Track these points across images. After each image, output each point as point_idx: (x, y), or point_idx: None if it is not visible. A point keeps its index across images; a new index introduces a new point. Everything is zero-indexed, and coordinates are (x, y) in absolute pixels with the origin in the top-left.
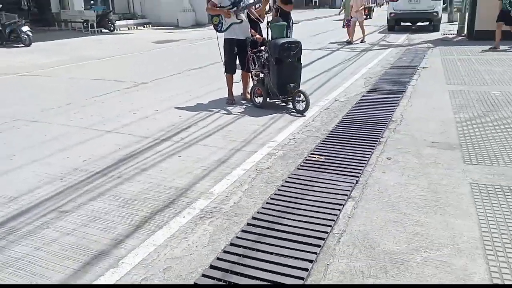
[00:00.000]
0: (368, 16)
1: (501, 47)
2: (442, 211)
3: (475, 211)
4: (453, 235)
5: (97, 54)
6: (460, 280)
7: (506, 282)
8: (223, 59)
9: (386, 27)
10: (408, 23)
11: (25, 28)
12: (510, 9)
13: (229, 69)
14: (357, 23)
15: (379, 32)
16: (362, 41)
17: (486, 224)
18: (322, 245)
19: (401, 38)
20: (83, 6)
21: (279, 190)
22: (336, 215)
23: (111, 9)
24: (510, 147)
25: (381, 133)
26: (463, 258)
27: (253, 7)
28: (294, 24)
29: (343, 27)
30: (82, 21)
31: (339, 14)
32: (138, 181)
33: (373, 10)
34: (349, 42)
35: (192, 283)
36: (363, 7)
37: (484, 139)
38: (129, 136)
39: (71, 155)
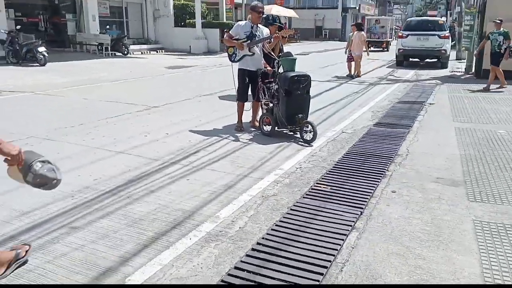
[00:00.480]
0: (386, 49)
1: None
2: (445, 246)
3: (477, 248)
4: (454, 270)
5: (111, 77)
6: None
7: None
8: (237, 86)
9: (395, 62)
10: (417, 59)
11: (41, 49)
12: (498, 50)
13: (241, 98)
14: (360, 56)
15: (387, 67)
16: (352, 76)
17: (487, 261)
18: (324, 273)
19: (409, 73)
20: (98, 30)
21: (284, 217)
22: (340, 244)
23: (125, 33)
24: None
25: (387, 166)
26: None
27: (267, 41)
28: (304, 55)
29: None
30: (97, 44)
31: (345, 53)
32: (146, 202)
33: (390, 44)
34: (357, 76)
35: None
36: (360, 41)
37: (489, 177)
38: (139, 158)
39: (82, 174)
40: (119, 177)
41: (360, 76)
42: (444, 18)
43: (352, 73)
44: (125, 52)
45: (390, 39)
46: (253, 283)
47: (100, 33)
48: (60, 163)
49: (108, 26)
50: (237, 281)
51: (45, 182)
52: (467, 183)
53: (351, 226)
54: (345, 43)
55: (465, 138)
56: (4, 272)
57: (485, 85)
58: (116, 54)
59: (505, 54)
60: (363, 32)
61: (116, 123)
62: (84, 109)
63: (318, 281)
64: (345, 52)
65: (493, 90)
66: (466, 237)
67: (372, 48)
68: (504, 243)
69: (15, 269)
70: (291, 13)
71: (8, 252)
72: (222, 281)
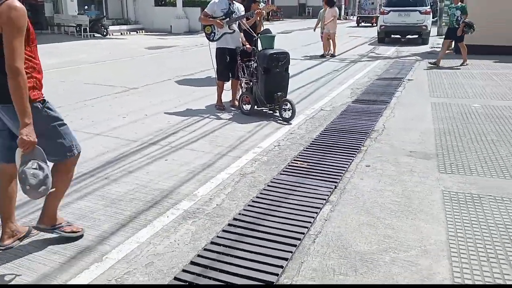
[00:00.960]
0: (375, 24)
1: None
2: (413, 216)
3: (444, 217)
4: (421, 238)
5: (89, 59)
6: (424, 279)
7: (466, 281)
8: (215, 66)
9: (376, 39)
10: (398, 36)
11: None
12: (457, 26)
13: (221, 77)
14: (335, 33)
15: (369, 44)
16: (332, 55)
17: (453, 229)
18: (298, 244)
19: (390, 50)
20: (76, 10)
21: (261, 193)
22: (313, 217)
23: (104, 14)
24: (484, 157)
25: (363, 142)
26: (429, 259)
27: (244, 18)
28: (286, 33)
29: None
30: (75, 25)
31: (314, 30)
32: (124, 182)
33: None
34: (332, 55)
35: (173, 277)
36: (333, 18)
37: (460, 149)
38: (118, 139)
39: None
40: (96, 159)
41: (335, 56)
42: None
43: (327, 52)
44: (104, 33)
45: (378, 14)
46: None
47: (78, 14)
48: None
49: (86, 7)
50: (214, 256)
51: (23, 182)
52: (439, 156)
53: (325, 199)
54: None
55: (441, 112)
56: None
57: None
58: (95, 35)
59: (459, 28)
60: (336, 8)
61: (95, 105)
62: (62, 92)
63: (291, 252)
64: (314, 30)
65: (455, 67)
66: (434, 207)
67: (362, 24)
68: (470, 211)
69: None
70: None
71: (23, 227)
72: (198, 255)
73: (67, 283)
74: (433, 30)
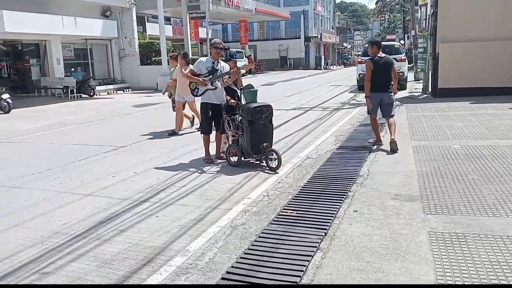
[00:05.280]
0: None
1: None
2: (402, 259)
3: (432, 257)
4: (411, 280)
5: (77, 120)
6: None
7: None
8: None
9: (356, 86)
10: None
11: (5, 96)
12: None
13: (205, 130)
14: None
15: (349, 92)
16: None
17: (441, 269)
18: None
19: None
20: (63, 73)
21: (252, 245)
22: (305, 266)
23: (91, 75)
24: (467, 197)
25: (349, 187)
26: None
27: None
28: (270, 85)
29: (173, 111)
30: (62, 87)
31: (163, 93)
32: (116, 242)
33: None
34: (173, 132)
35: None
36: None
37: (443, 190)
38: (108, 198)
39: (51, 219)
40: (88, 219)
41: (177, 134)
42: (402, 42)
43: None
44: (91, 94)
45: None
46: None
47: (65, 76)
48: (28, 210)
49: (73, 69)
50: None
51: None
52: (423, 197)
53: (316, 247)
54: (309, 71)
55: (422, 155)
56: None
57: (440, 103)
58: (82, 96)
59: None
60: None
61: (84, 166)
62: (51, 154)
63: None
64: (163, 93)
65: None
66: (422, 248)
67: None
68: (456, 250)
69: None
70: None
71: None
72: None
73: None
74: (410, 76)
